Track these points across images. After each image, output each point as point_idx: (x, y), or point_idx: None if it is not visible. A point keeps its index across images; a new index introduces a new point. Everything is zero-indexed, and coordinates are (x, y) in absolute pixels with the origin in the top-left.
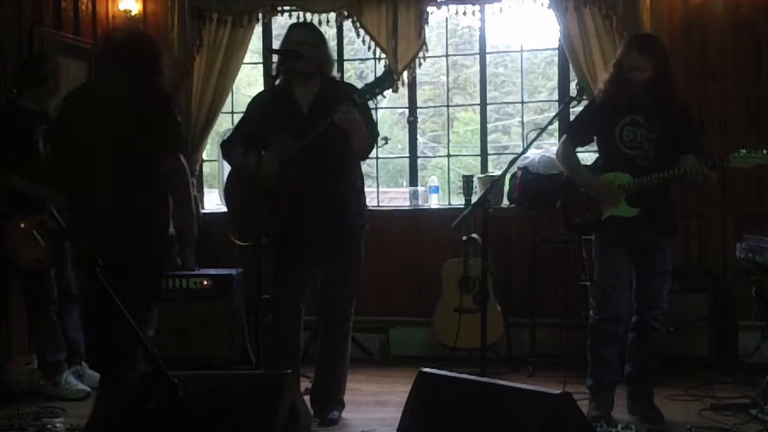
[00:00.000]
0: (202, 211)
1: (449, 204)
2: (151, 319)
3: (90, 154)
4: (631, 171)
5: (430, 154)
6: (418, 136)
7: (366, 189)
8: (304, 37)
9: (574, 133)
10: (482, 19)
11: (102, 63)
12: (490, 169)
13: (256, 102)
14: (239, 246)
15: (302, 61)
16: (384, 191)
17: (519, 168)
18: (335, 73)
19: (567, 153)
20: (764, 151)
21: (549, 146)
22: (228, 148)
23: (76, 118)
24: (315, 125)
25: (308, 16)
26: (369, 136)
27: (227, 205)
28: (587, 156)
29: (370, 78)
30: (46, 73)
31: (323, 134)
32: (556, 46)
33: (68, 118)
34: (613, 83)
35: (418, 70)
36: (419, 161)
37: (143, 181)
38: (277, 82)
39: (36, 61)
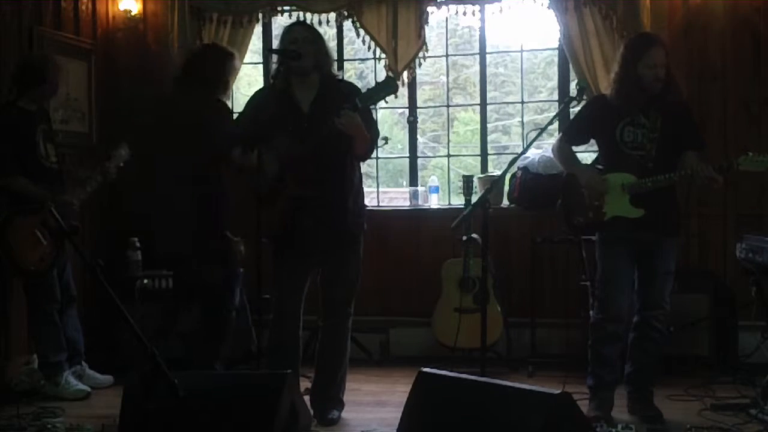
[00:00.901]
0: None
1: (449, 204)
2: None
3: (178, 159)
4: (635, 172)
5: (430, 154)
6: (418, 136)
7: (366, 189)
8: (299, 35)
9: (573, 133)
10: (482, 19)
11: (183, 78)
12: (490, 169)
13: (254, 102)
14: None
15: (299, 59)
16: (384, 191)
17: (519, 168)
18: (335, 71)
19: (563, 148)
20: None
21: (549, 146)
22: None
23: (166, 127)
24: (317, 130)
25: (308, 16)
26: (371, 138)
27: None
28: (587, 156)
29: (370, 78)
30: (45, 73)
31: (325, 136)
32: (556, 46)
33: (156, 127)
34: (629, 84)
35: (418, 70)
36: (419, 161)
37: (216, 180)
38: (275, 82)
39: (35, 62)
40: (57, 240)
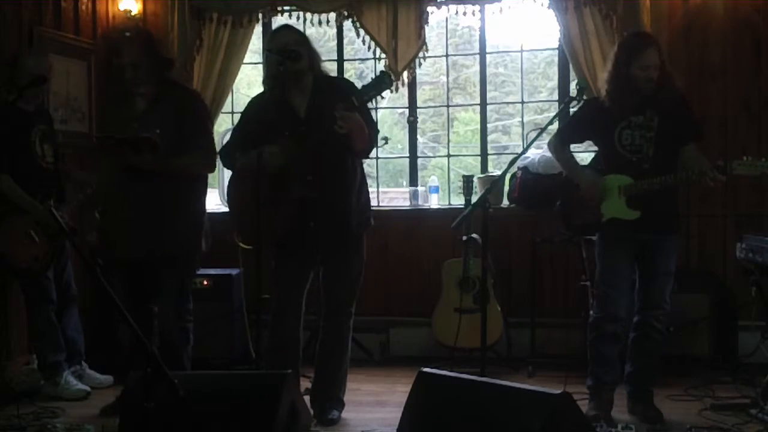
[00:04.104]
0: None
1: (449, 204)
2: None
3: None
4: (632, 174)
5: (430, 154)
6: (418, 136)
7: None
8: (290, 38)
9: (568, 135)
10: (482, 19)
11: None
12: (490, 169)
13: (253, 107)
14: (240, 246)
15: (299, 60)
16: (384, 191)
17: (519, 168)
18: (325, 69)
19: (559, 150)
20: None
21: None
22: (226, 153)
23: None
24: (315, 133)
25: (308, 16)
26: (370, 135)
27: (230, 210)
28: (586, 156)
29: (370, 78)
30: (36, 71)
31: (324, 138)
32: (556, 46)
33: None
34: (621, 85)
35: (418, 70)
36: (419, 161)
37: None
38: (274, 87)
39: (23, 62)
40: (54, 240)
